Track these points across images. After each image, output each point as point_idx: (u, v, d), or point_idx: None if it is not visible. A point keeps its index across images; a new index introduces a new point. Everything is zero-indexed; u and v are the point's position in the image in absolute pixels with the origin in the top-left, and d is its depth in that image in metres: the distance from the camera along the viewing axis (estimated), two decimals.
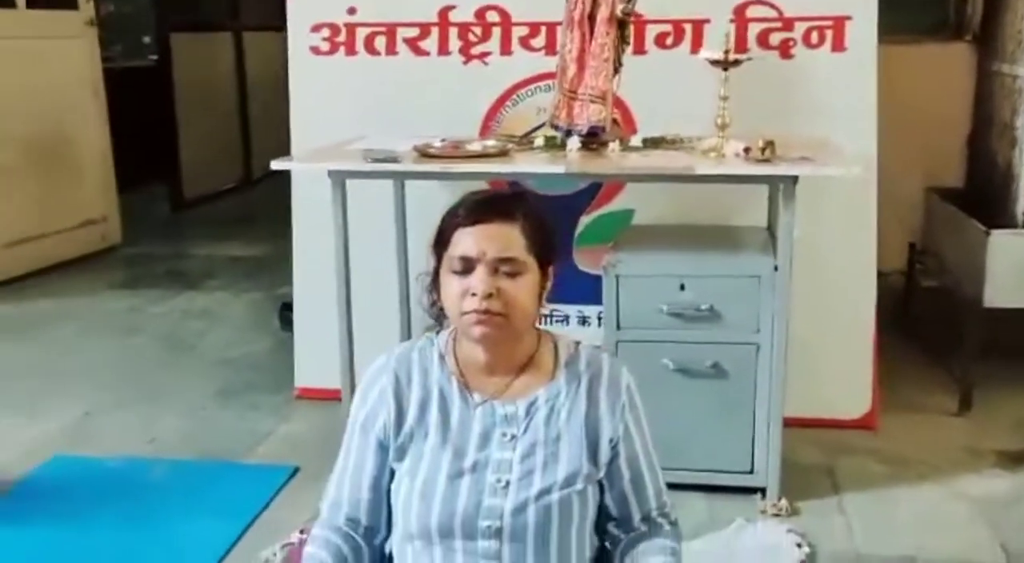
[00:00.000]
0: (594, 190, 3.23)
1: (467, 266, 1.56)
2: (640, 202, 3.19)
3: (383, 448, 1.63)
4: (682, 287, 2.59)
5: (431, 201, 3.07)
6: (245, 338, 4.20)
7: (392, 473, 1.64)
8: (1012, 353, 3.44)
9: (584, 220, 3.25)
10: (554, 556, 1.58)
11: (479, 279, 1.55)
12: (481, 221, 1.58)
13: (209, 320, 4.50)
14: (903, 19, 3.91)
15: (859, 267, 3.11)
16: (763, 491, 2.65)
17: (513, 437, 1.60)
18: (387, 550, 1.71)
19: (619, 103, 3.14)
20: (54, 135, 5.45)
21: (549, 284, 1.65)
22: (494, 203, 1.63)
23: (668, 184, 2.98)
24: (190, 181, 7.12)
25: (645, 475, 1.67)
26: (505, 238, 1.57)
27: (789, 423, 3.07)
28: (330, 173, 2.64)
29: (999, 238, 3.09)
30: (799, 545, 2.41)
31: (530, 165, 2.66)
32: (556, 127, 2.86)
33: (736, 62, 2.59)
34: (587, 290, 3.05)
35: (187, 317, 4.56)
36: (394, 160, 2.59)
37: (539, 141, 2.87)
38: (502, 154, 2.71)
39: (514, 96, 3.25)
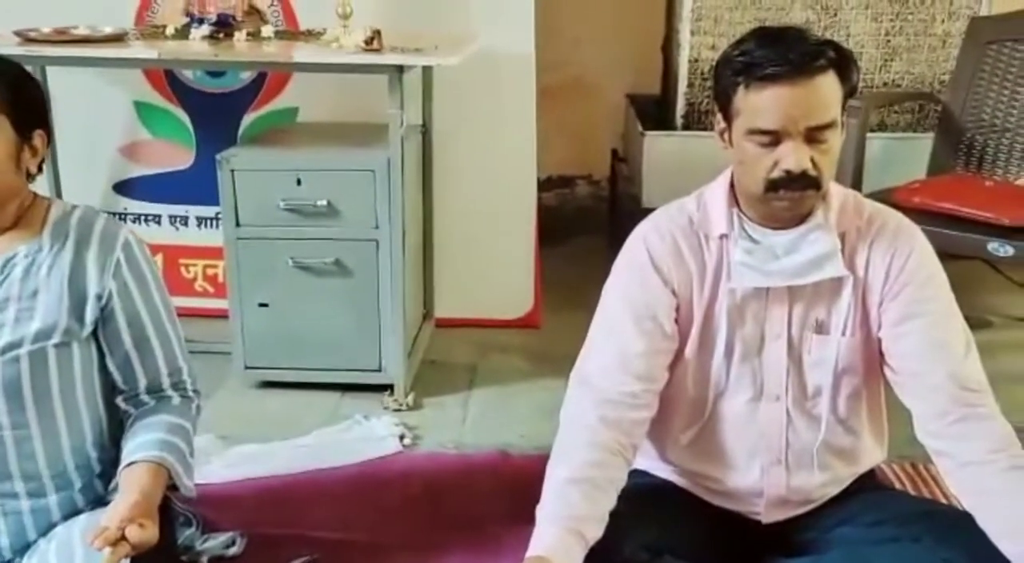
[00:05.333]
0: (258, 87, 3.12)
1: None
2: (305, 100, 3.09)
3: None
4: (299, 182, 2.53)
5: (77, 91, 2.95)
6: None
7: None
8: None
9: (248, 118, 3.14)
10: (33, 419, 1.55)
11: None
12: None
13: None
14: None
15: (521, 169, 3.11)
16: (392, 388, 2.66)
17: None
18: None
19: None
20: None
21: (40, 148, 1.60)
22: None
23: (333, 81, 2.91)
24: None
25: (152, 339, 1.65)
26: None
27: (451, 324, 3.13)
28: None
29: (653, 139, 3.15)
30: (402, 437, 2.44)
31: (123, 50, 2.52)
32: (191, 16, 2.74)
33: None
34: None
35: None
36: None
37: (170, 30, 2.74)
38: (113, 40, 2.56)
39: None
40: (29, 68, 2.74)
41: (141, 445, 1.59)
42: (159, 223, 3.18)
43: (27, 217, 1.61)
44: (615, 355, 1.66)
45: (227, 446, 2.37)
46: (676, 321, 1.67)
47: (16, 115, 1.54)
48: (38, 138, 1.59)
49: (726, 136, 1.63)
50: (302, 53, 2.45)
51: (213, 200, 3.10)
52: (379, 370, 2.66)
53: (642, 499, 1.66)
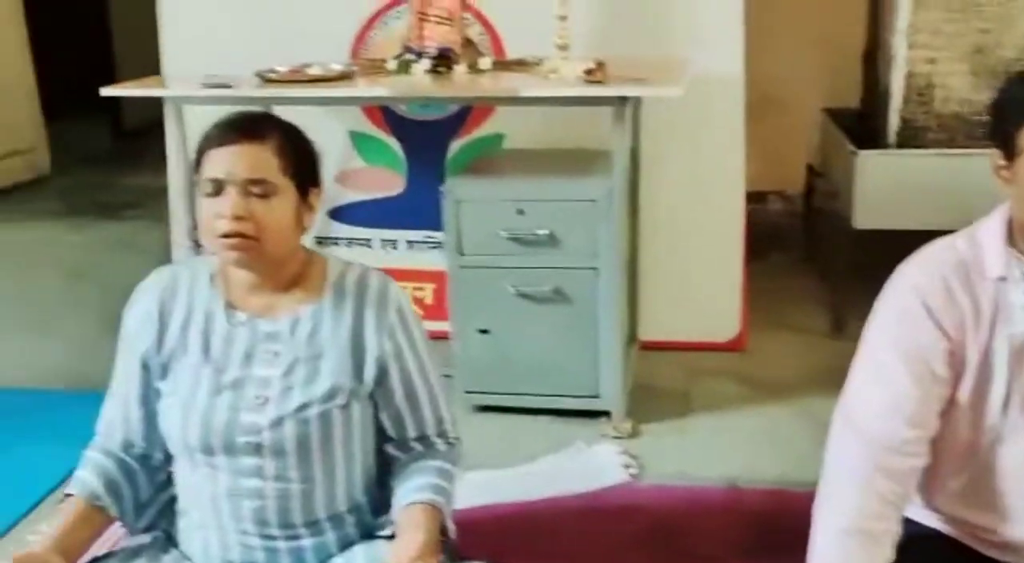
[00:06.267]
0: (464, 115, 3.18)
1: (217, 188, 1.56)
2: (510, 126, 3.15)
3: (145, 366, 1.67)
4: (520, 211, 2.57)
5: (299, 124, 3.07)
6: (152, 268, 4.17)
7: (158, 392, 1.67)
8: (886, 275, 3.43)
9: (455, 145, 3.22)
10: (319, 472, 1.62)
11: (228, 201, 1.55)
12: (230, 142, 1.58)
13: (121, 250, 4.49)
14: None
15: (729, 188, 3.08)
16: (609, 414, 2.67)
17: (276, 354, 1.62)
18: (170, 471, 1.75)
19: (486, 25, 3.09)
20: None
21: (316, 205, 1.66)
22: (244, 123, 1.62)
23: (539, 108, 2.95)
24: (130, 109, 7.02)
25: (421, 394, 1.70)
26: (255, 159, 1.57)
27: (656, 347, 3.12)
28: (164, 100, 2.61)
29: (867, 158, 3.05)
30: (627, 466, 2.44)
31: (358, 89, 2.62)
32: (410, 50, 2.82)
33: None
34: None
35: (99, 247, 4.55)
36: (227, 86, 2.55)
37: (391, 65, 2.83)
38: (344, 78, 2.67)
39: (383, 18, 3.18)
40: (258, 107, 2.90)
41: (416, 488, 1.64)
42: (370, 247, 3.28)
43: (306, 275, 1.65)
44: (885, 400, 1.61)
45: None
46: (948, 365, 1.61)
47: (299, 178, 1.60)
48: (314, 196, 1.65)
49: (1004, 173, 1.56)
50: (529, 86, 2.49)
51: (422, 224, 3.20)
52: (596, 396, 2.68)
53: (913, 549, 1.61)
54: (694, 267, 3.11)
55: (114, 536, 1.81)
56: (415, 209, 3.18)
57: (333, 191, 3.28)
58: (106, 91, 2.66)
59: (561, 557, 2.10)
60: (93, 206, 5.27)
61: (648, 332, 3.13)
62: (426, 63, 2.73)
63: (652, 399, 2.82)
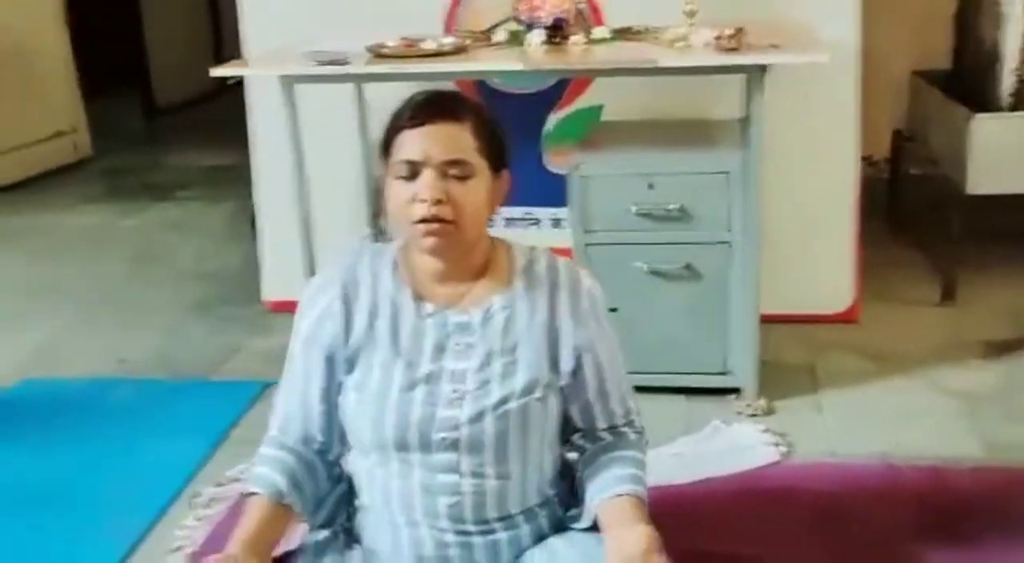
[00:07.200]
0: (562, 87, 3.09)
1: (413, 170, 1.49)
2: (610, 97, 3.05)
3: (330, 361, 1.59)
4: (651, 186, 2.49)
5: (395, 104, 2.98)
6: (220, 250, 4.10)
7: (340, 386, 1.59)
8: (997, 240, 3.37)
9: (553, 118, 3.12)
10: (514, 467, 1.56)
11: (426, 184, 1.47)
12: (427, 122, 1.51)
13: (183, 232, 4.42)
14: None
15: (841, 157, 3.00)
16: (739, 391, 2.60)
17: (469, 346, 1.55)
18: (344, 466, 1.69)
19: None
20: (11, 47, 5.24)
21: (504, 189, 1.58)
22: (440, 103, 1.55)
23: (639, 77, 2.86)
24: (161, 87, 6.92)
25: (610, 384, 1.63)
26: (453, 139, 1.50)
27: (771, 320, 3.01)
28: (279, 78, 2.51)
29: (982, 122, 2.97)
30: (776, 445, 2.38)
31: (487, 62, 2.53)
32: (518, 20, 2.72)
33: None
34: (559, 192, 2.93)
35: (160, 230, 4.47)
36: (343, 62, 2.45)
37: (500, 36, 2.73)
38: (459, 51, 2.57)
39: None
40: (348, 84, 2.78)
41: (617, 479, 1.58)
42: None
43: (493, 263, 1.58)
44: None
45: None
46: None
47: (492, 160, 1.53)
48: (505, 178, 1.58)
49: None
50: (666, 56, 2.39)
51: (519, 200, 3.08)
52: (726, 373, 2.61)
53: None
54: (807, 237, 3.03)
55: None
56: (511, 185, 3.09)
57: None
58: (215, 71, 2.56)
59: (720, 542, 2.03)
60: (142, 188, 5.19)
61: (762, 304, 3.06)
62: (540, 34, 2.63)
63: (778, 375, 2.74)
